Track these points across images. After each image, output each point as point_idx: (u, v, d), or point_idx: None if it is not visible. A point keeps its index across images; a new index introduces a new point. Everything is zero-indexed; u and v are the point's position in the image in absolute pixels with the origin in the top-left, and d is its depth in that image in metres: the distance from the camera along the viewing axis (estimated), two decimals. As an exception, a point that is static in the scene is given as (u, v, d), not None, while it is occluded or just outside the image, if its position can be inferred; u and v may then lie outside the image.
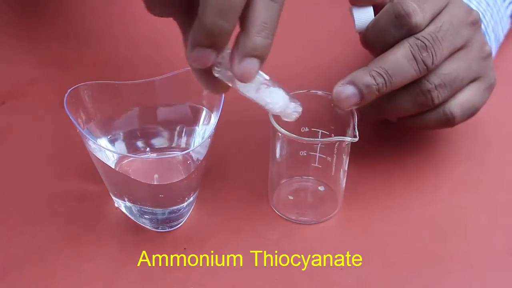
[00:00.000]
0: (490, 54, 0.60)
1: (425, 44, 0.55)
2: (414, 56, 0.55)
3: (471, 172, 0.64)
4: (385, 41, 0.56)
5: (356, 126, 0.55)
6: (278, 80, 0.64)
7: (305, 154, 0.58)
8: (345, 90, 0.55)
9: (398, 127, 0.62)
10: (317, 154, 0.58)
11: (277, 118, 0.56)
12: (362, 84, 0.55)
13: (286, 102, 0.52)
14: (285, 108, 0.52)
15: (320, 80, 0.69)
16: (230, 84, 0.50)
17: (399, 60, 0.55)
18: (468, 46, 0.58)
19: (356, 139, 0.54)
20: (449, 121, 0.58)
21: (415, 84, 0.56)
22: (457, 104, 0.58)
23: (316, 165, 0.59)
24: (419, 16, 0.55)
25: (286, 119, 0.53)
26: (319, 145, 0.57)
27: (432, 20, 0.57)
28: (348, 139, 0.55)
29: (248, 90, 0.50)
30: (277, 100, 0.51)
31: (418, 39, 0.55)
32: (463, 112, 0.58)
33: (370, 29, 0.57)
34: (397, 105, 0.57)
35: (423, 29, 0.56)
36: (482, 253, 0.57)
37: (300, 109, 0.53)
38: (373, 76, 0.55)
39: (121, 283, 0.54)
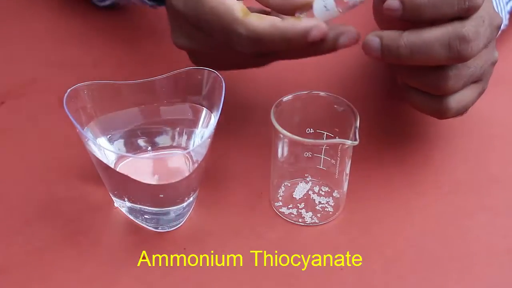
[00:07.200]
0: (496, 62, 0.60)
1: (467, 36, 0.54)
2: (449, 44, 0.54)
3: (471, 173, 0.64)
4: (439, 10, 0.54)
5: (357, 130, 0.55)
6: (279, 81, 0.64)
7: (310, 155, 0.58)
8: (371, 42, 0.56)
9: (400, 130, 0.61)
10: (322, 156, 0.58)
11: (279, 119, 0.56)
12: (386, 46, 0.55)
13: None
14: None
15: (321, 81, 0.69)
16: None
17: (433, 45, 0.54)
18: (489, 47, 0.58)
19: (356, 143, 0.54)
20: (441, 112, 0.58)
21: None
22: (455, 99, 0.58)
23: (321, 167, 0.59)
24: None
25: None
26: (324, 147, 0.57)
27: None
28: (348, 142, 0.55)
29: None
30: None
31: (461, 30, 0.54)
32: (457, 109, 0.58)
33: None
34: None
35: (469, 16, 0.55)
36: (482, 253, 0.57)
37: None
38: (399, 45, 0.55)
39: (121, 283, 0.54)
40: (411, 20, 0.55)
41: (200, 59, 0.61)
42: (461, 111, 0.59)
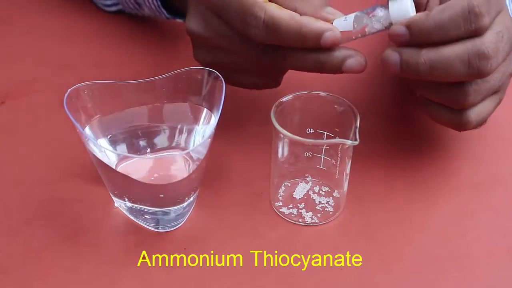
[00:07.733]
0: None
1: (487, 53, 0.54)
2: (469, 61, 0.54)
3: (472, 173, 0.63)
4: (446, 32, 0.54)
5: (357, 130, 0.55)
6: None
7: (310, 155, 0.58)
8: (391, 57, 0.55)
9: (400, 130, 0.61)
10: (322, 156, 0.58)
11: (279, 119, 0.56)
12: (406, 61, 0.55)
13: None
14: None
15: (321, 81, 0.69)
16: None
17: (453, 62, 0.54)
18: (506, 59, 0.57)
19: (357, 142, 0.54)
20: (461, 125, 0.58)
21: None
22: (475, 112, 0.57)
23: (321, 167, 0.59)
24: (487, 19, 0.54)
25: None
26: (324, 147, 0.57)
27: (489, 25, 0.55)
28: (348, 142, 0.55)
29: None
30: None
31: (481, 47, 0.54)
32: (477, 121, 0.58)
33: (433, 16, 0.54)
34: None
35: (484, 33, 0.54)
36: (482, 253, 0.57)
37: None
38: (418, 62, 0.54)
39: (121, 283, 0.54)
40: (419, 44, 0.55)
41: (203, 53, 0.61)
42: (481, 123, 0.59)
